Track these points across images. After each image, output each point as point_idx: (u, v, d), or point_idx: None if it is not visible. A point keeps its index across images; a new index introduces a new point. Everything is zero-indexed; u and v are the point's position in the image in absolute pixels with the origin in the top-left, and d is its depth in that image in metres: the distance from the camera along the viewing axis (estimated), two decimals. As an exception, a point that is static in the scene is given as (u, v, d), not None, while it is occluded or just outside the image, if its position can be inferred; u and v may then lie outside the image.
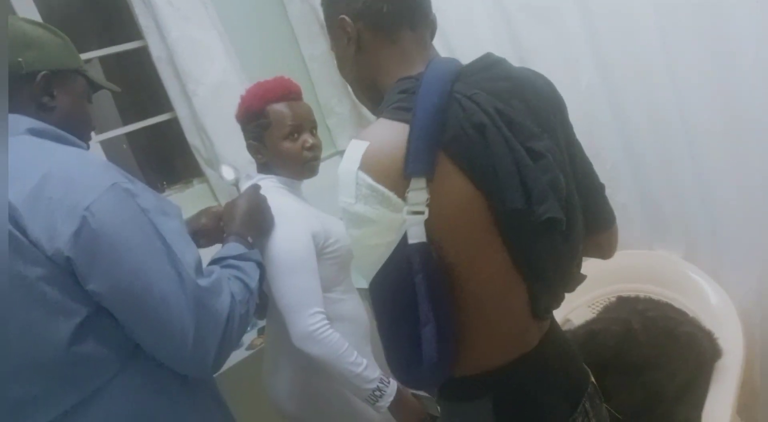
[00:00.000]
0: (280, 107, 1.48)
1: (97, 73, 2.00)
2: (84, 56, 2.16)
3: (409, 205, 0.78)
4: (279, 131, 1.47)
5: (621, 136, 1.80)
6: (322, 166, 1.57)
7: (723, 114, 1.50)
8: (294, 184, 1.55)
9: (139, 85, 2.62)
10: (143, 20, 2.26)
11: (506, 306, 0.89)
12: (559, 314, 1.81)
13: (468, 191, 0.80)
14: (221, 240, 1.29)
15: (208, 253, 1.20)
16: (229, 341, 1.04)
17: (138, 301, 0.96)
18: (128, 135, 2.77)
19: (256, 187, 1.42)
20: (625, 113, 1.75)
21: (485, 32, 1.95)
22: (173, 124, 2.46)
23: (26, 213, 0.90)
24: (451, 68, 0.87)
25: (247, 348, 2.14)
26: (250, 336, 2.22)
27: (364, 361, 1.35)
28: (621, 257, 1.92)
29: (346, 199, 0.81)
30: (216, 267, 1.11)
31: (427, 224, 0.78)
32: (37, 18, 2.11)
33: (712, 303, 1.67)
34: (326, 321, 1.35)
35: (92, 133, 1.21)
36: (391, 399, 1.35)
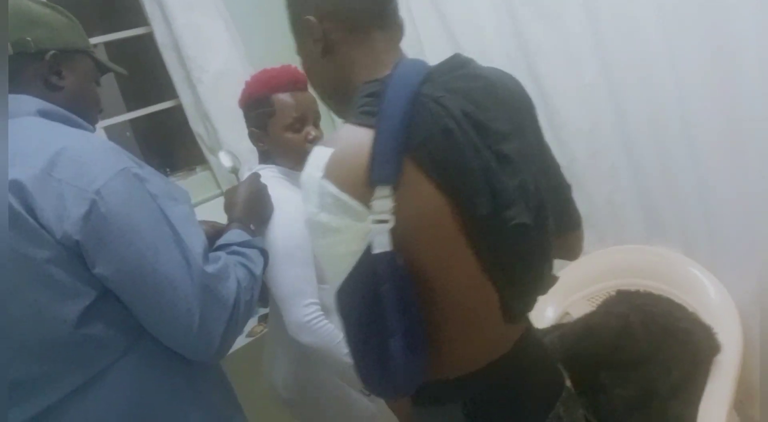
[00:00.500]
0: (285, 97, 1.46)
1: (103, 59, 1.99)
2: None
3: (373, 214, 0.75)
4: (282, 121, 1.46)
5: (621, 133, 1.80)
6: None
7: (723, 114, 1.51)
8: (293, 174, 1.53)
9: (144, 72, 2.61)
10: (149, 6, 2.25)
11: (478, 312, 0.87)
12: (558, 307, 1.82)
13: (435, 197, 0.78)
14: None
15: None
16: (234, 327, 1.05)
17: (145, 286, 0.96)
18: (132, 121, 2.77)
19: (256, 175, 1.42)
20: (626, 111, 1.75)
21: (489, 29, 1.95)
22: (177, 111, 2.46)
23: (36, 195, 0.90)
24: (419, 70, 0.84)
25: (248, 336, 2.16)
26: (250, 324, 2.23)
27: None
28: (622, 252, 1.95)
29: (310, 209, 0.80)
30: (222, 254, 1.11)
31: (394, 232, 0.75)
32: None
33: (711, 299, 1.67)
34: (321, 312, 1.35)
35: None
36: None
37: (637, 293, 1.71)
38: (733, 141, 1.52)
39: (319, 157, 0.79)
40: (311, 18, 0.87)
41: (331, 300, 1.44)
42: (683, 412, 1.45)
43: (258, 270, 1.15)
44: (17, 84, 1.02)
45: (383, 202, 0.75)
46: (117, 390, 0.99)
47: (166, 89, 2.45)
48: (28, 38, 1.02)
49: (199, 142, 2.44)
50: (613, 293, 1.75)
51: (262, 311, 2.22)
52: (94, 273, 0.94)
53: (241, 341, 2.10)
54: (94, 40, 2.29)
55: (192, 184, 2.45)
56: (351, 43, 0.88)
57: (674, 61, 1.56)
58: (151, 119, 2.62)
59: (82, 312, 0.94)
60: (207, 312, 1.00)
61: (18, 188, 0.90)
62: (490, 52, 1.91)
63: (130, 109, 2.62)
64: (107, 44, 2.52)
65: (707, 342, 1.54)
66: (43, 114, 1.01)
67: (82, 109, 1.10)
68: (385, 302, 0.76)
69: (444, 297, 0.83)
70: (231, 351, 1.12)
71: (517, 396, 0.93)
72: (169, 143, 3.33)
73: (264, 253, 1.22)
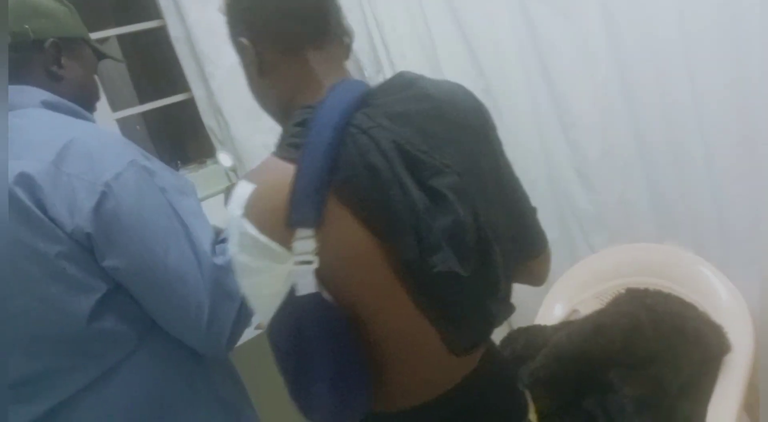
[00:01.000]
0: None
1: (114, 51, 2.01)
2: (102, 34, 2.17)
3: (296, 255, 0.71)
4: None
5: (635, 131, 1.79)
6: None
7: (738, 113, 1.49)
8: None
9: (156, 65, 2.62)
10: (163, 0, 2.26)
11: (418, 349, 0.83)
12: (567, 304, 1.81)
13: (362, 237, 0.74)
14: None
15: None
16: (243, 319, 1.05)
17: (154, 279, 0.96)
18: (144, 114, 2.79)
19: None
20: (639, 110, 1.74)
21: (502, 26, 1.93)
22: (189, 104, 2.47)
23: (46, 189, 0.90)
24: (354, 95, 0.78)
25: (255, 328, 2.16)
26: (257, 317, 2.23)
27: None
28: (632, 250, 1.94)
29: (232, 247, 0.76)
30: (228, 246, 1.12)
31: (320, 272, 0.72)
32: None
33: (722, 299, 1.66)
34: None
35: (109, 110, 1.21)
36: None
37: (646, 291, 1.69)
38: (748, 141, 1.50)
39: (240, 194, 0.75)
40: (243, 40, 0.85)
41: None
42: (693, 411, 1.44)
43: None
44: (19, 75, 1.02)
45: (305, 242, 0.71)
46: (130, 385, 1.00)
47: (179, 83, 2.46)
48: (26, 26, 1.02)
49: (211, 135, 2.45)
50: (623, 291, 1.74)
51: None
52: (103, 265, 0.94)
53: (248, 334, 2.11)
54: (107, 33, 2.30)
55: (203, 176, 2.48)
56: (287, 65, 0.84)
57: (689, 60, 1.54)
58: (163, 112, 2.63)
59: (93, 307, 0.95)
60: (217, 305, 1.00)
61: (27, 182, 0.89)
62: (503, 50, 1.88)
63: (142, 102, 2.63)
64: (120, 37, 2.53)
65: (717, 342, 1.53)
66: (48, 105, 1.01)
67: (83, 98, 1.10)
68: (313, 345, 0.73)
69: (381, 333, 0.80)
70: (239, 343, 1.12)
71: None
72: (180, 136, 3.35)
73: None
